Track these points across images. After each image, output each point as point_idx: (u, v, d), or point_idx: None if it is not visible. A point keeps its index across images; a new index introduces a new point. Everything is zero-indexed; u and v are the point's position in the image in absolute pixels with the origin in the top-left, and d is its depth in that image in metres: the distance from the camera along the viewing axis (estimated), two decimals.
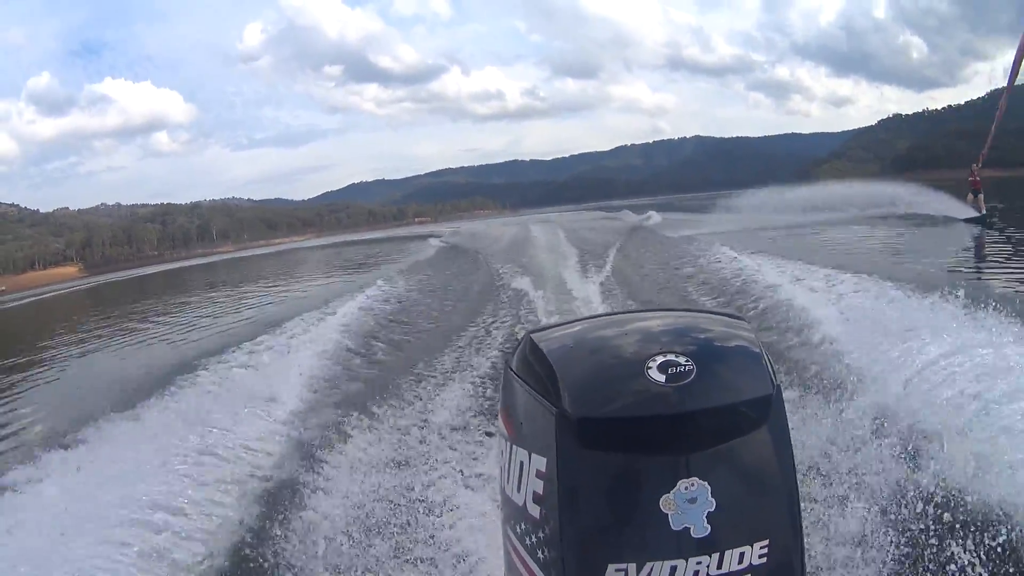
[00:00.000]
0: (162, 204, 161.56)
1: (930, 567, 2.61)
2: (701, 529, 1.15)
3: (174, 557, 3.27)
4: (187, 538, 3.42)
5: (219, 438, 4.57)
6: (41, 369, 12.41)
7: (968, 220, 19.25)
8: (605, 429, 1.20)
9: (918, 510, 2.85)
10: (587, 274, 13.69)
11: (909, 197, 24.21)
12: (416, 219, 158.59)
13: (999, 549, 2.57)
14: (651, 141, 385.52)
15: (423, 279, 15.04)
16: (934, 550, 2.66)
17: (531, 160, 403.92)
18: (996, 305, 4.95)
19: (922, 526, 2.76)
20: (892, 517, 2.84)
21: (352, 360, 7.25)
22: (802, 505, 1.26)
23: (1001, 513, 2.74)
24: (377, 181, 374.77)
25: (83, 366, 12.33)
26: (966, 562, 2.55)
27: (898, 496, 2.96)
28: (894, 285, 6.82)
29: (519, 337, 1.44)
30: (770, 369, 1.26)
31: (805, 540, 1.26)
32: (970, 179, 20.81)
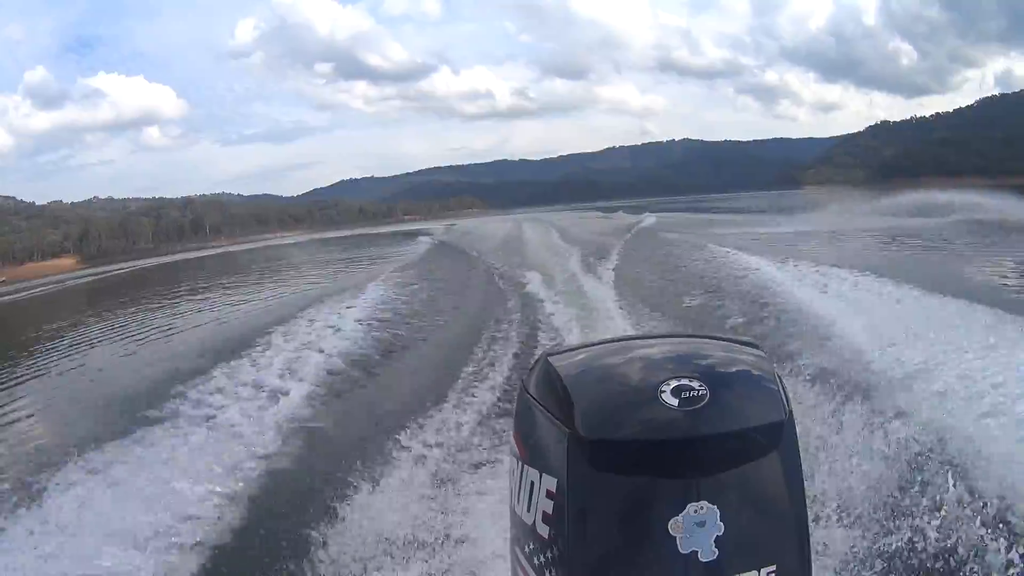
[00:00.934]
0: (153, 198, 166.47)
1: None
2: (709, 553, 1.16)
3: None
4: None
5: (212, 458, 4.54)
6: (38, 363, 12.45)
7: None
8: (617, 452, 1.21)
9: (931, 537, 2.84)
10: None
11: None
12: (405, 216, 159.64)
13: None
14: (639, 143, 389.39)
15: (423, 279, 15.01)
16: None
17: (519, 160, 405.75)
18: None
19: (935, 551, 2.75)
20: (903, 546, 2.83)
21: (356, 371, 7.22)
22: (811, 531, 1.27)
23: None
24: (366, 179, 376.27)
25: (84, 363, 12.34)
26: None
27: (909, 523, 2.96)
28: None
29: (535, 358, 1.44)
30: (783, 395, 1.27)
31: (813, 567, 1.28)
32: None
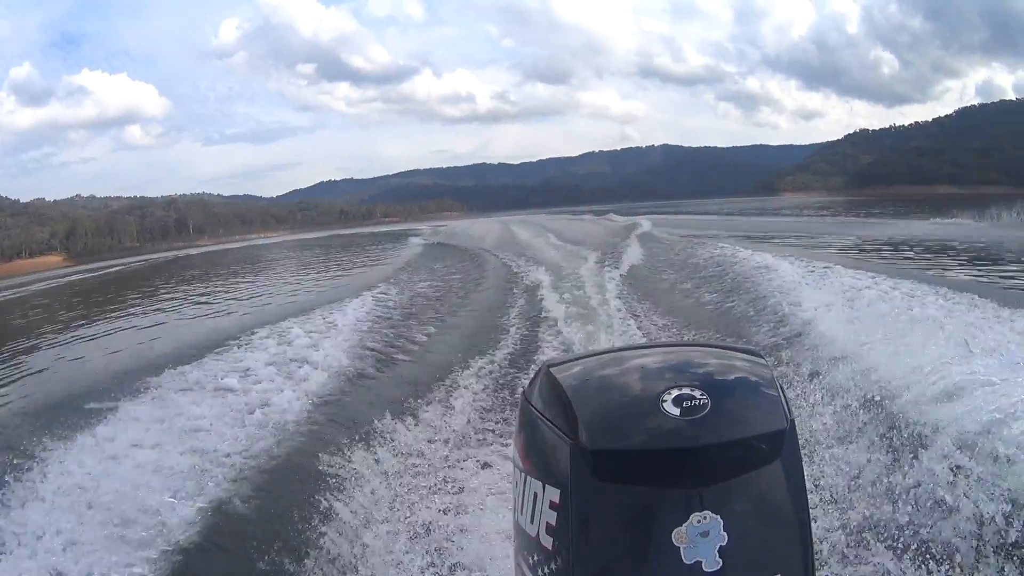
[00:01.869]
0: (135, 197, 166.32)
1: None
2: (712, 563, 1.16)
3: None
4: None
5: (209, 452, 4.47)
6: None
7: None
8: (620, 462, 1.21)
9: (937, 549, 2.82)
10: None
11: None
12: (384, 219, 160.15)
13: None
14: (619, 148, 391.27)
15: (421, 280, 14.98)
16: None
17: (499, 163, 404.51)
18: None
19: (943, 565, 2.74)
20: (909, 554, 2.83)
21: (356, 373, 7.11)
22: (814, 540, 1.27)
23: None
24: (345, 180, 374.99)
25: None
26: None
27: (916, 531, 2.95)
28: None
29: (537, 369, 1.44)
30: (784, 404, 1.27)
31: (817, 574, 1.28)
32: None
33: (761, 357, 1.41)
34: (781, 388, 1.30)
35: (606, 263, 15.82)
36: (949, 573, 2.70)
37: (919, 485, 3.27)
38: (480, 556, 3.26)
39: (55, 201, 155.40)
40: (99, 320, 17.16)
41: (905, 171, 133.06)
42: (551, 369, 1.40)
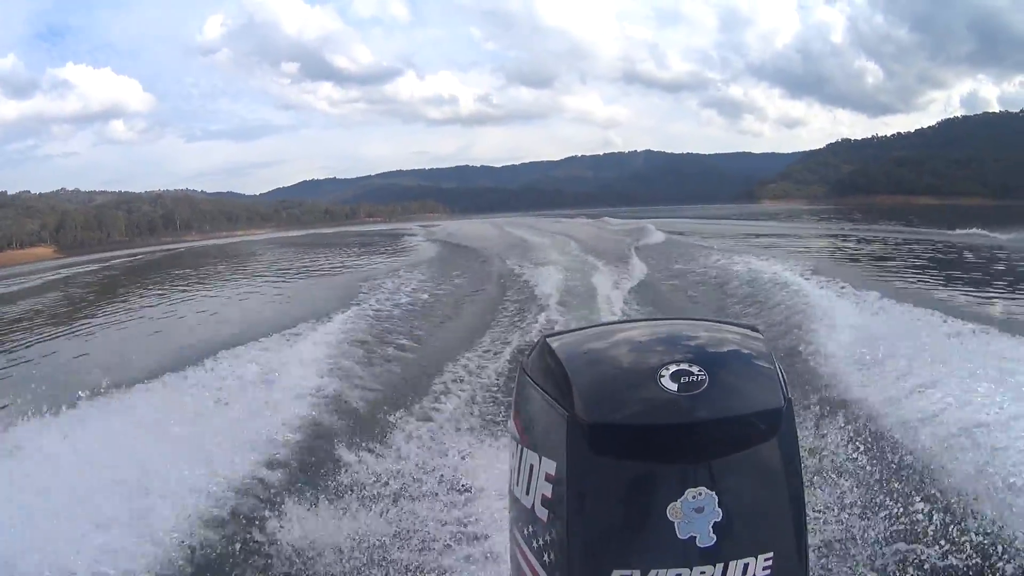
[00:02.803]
0: (119, 192, 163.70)
1: None
2: (707, 539, 1.16)
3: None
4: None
5: (217, 443, 4.38)
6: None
7: None
8: (616, 435, 1.20)
9: (929, 530, 2.88)
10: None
11: None
12: (369, 219, 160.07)
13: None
14: (601, 153, 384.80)
15: (419, 274, 14.85)
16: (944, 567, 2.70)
17: (481, 166, 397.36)
18: None
19: (933, 545, 2.78)
20: (900, 534, 2.87)
21: (360, 356, 7.08)
22: (808, 519, 1.27)
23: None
24: (328, 179, 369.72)
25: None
26: None
27: (907, 514, 3.00)
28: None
29: (535, 340, 1.42)
30: (782, 382, 1.26)
31: (810, 555, 1.28)
32: None
33: (759, 334, 1.40)
34: (779, 367, 1.29)
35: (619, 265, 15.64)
36: (943, 551, 2.75)
37: (913, 468, 3.38)
38: (475, 528, 3.27)
39: (41, 194, 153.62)
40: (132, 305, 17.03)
41: (885, 181, 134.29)
42: (549, 340, 1.38)
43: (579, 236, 25.40)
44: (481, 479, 3.84)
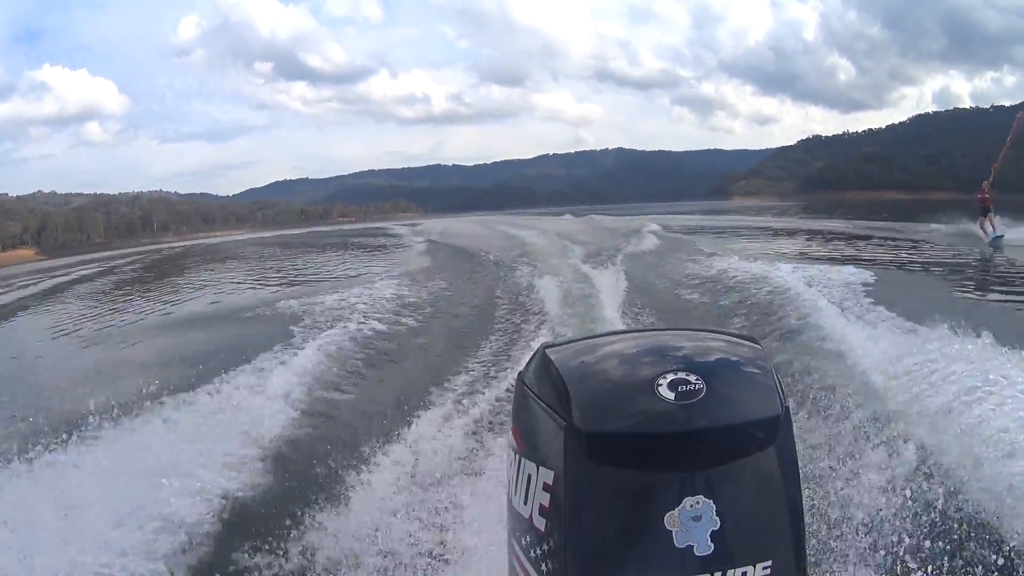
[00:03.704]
0: (95, 194, 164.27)
1: None
2: (704, 547, 1.16)
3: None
4: None
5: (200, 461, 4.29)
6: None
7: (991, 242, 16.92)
8: (613, 445, 1.20)
9: (926, 537, 2.89)
10: None
11: None
12: (342, 219, 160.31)
13: None
14: (573, 151, 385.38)
15: (414, 279, 14.70)
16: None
17: (453, 165, 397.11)
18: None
19: (930, 553, 2.80)
20: (900, 543, 2.88)
21: (356, 364, 7.02)
22: (806, 527, 1.28)
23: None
24: (300, 180, 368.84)
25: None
26: None
27: (906, 523, 3.01)
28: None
29: (534, 350, 1.42)
30: (779, 390, 1.27)
31: (808, 562, 1.29)
32: (979, 198, 18.51)
33: (757, 343, 1.41)
34: (776, 375, 1.30)
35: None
36: (947, 560, 2.78)
37: (916, 476, 3.37)
38: (473, 538, 3.27)
39: (18, 196, 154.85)
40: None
41: (855, 177, 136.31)
42: (547, 351, 1.38)
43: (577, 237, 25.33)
44: (479, 489, 3.84)
